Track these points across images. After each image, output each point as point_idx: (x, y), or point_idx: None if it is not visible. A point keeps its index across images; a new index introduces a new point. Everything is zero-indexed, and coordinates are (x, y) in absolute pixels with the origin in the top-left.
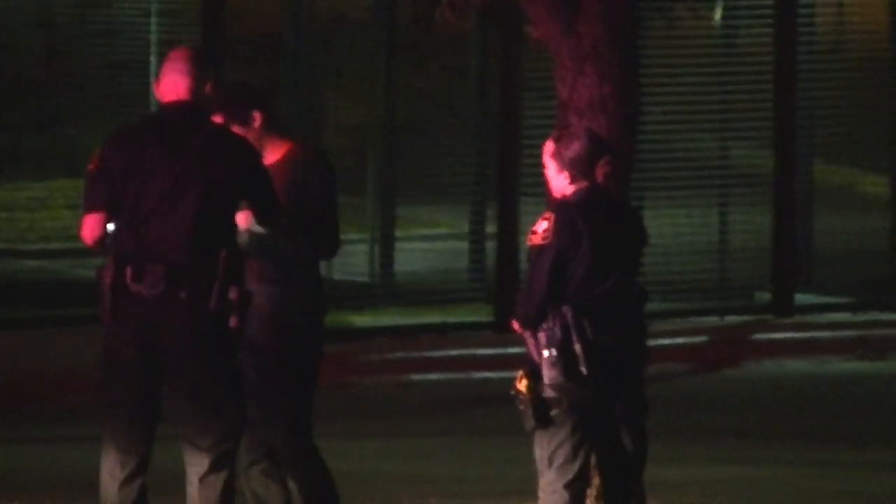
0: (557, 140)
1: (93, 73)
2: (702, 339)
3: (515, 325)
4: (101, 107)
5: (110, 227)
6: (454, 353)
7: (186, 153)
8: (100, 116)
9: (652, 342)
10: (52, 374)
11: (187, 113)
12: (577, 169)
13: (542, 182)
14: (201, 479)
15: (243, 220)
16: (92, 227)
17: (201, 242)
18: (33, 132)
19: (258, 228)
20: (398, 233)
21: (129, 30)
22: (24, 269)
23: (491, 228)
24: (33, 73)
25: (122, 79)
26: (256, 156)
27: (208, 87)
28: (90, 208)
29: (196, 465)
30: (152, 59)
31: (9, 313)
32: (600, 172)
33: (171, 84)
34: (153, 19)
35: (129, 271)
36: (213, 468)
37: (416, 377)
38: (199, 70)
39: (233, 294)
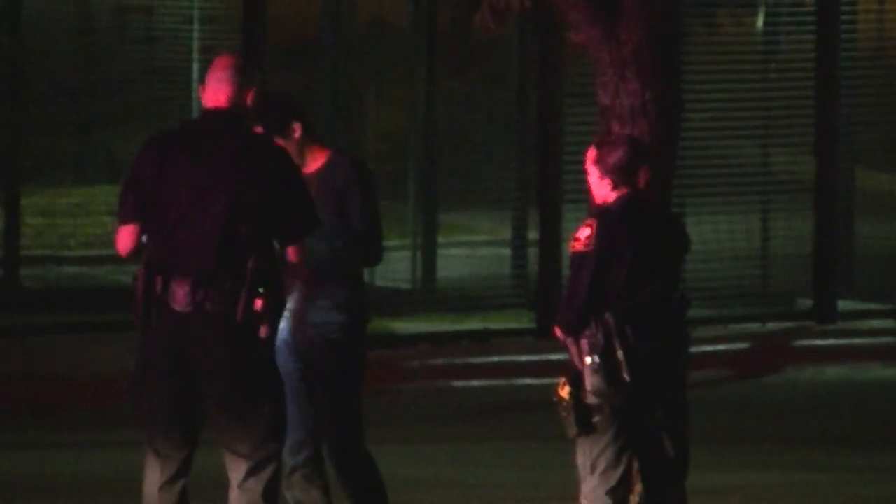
0: (599, 146)
1: (134, 78)
2: (743, 345)
3: (557, 332)
4: (143, 113)
5: (145, 237)
6: (496, 359)
7: (215, 162)
8: (141, 122)
9: (693, 348)
10: (93, 380)
11: (224, 121)
12: (619, 176)
13: (583, 188)
14: (240, 485)
15: (293, 255)
16: (125, 238)
17: (229, 252)
18: (74, 138)
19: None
20: (440, 239)
21: (171, 36)
22: (65, 275)
23: (533, 235)
24: (74, 79)
25: (163, 85)
26: (290, 163)
27: (251, 96)
28: (123, 220)
29: (235, 471)
30: (195, 65)
31: (50, 319)
32: (642, 179)
33: (213, 92)
34: (195, 25)
35: (159, 281)
36: (252, 473)
37: (457, 383)
38: (241, 78)
39: (259, 304)
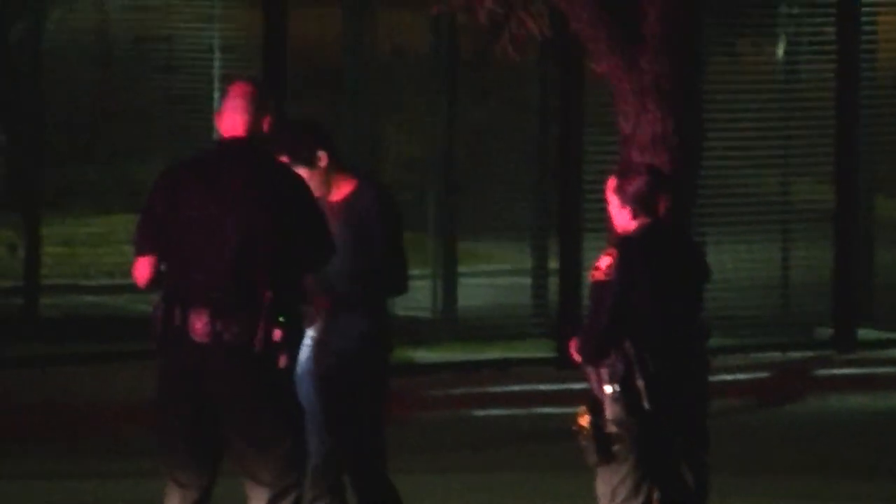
0: (620, 176)
1: (155, 107)
2: (763, 374)
3: (575, 355)
4: (163, 142)
5: (163, 267)
6: (516, 388)
7: (230, 191)
8: (162, 151)
9: (713, 377)
10: (112, 409)
11: (240, 150)
12: (640, 204)
13: (604, 217)
14: None
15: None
16: (142, 269)
17: (246, 282)
18: (95, 168)
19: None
20: (460, 268)
21: (191, 65)
22: (85, 304)
23: (553, 264)
24: (94, 108)
25: (183, 114)
26: (306, 190)
27: (267, 122)
28: (139, 251)
29: (257, 500)
30: (215, 94)
31: (70, 348)
32: (662, 208)
33: (230, 120)
34: (215, 54)
35: (177, 311)
36: (273, 502)
37: (478, 412)
38: (257, 105)
39: (278, 333)
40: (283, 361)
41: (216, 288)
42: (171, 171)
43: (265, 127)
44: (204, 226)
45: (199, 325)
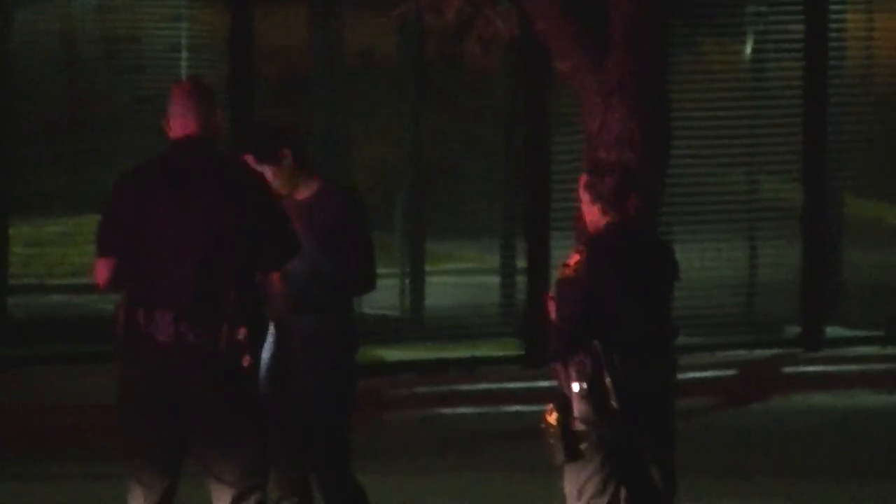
0: (591, 173)
1: (122, 108)
2: (730, 372)
3: (552, 312)
4: (131, 142)
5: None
6: (484, 387)
7: (191, 192)
8: (128, 153)
9: (680, 376)
10: (79, 410)
11: (197, 150)
12: (610, 202)
13: (571, 216)
14: None
15: (276, 282)
16: (102, 271)
17: (209, 282)
18: (63, 169)
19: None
20: (427, 267)
21: (158, 65)
22: (53, 304)
23: (521, 263)
24: (62, 110)
25: (150, 114)
26: (266, 188)
27: (216, 119)
28: (100, 253)
29: (220, 500)
30: None
31: (37, 349)
32: (632, 206)
33: (182, 120)
34: (183, 54)
35: (140, 314)
36: (238, 502)
37: (445, 411)
38: (207, 103)
39: (241, 335)
40: (246, 361)
41: (180, 289)
42: (131, 174)
43: (216, 125)
44: (167, 227)
45: (164, 325)
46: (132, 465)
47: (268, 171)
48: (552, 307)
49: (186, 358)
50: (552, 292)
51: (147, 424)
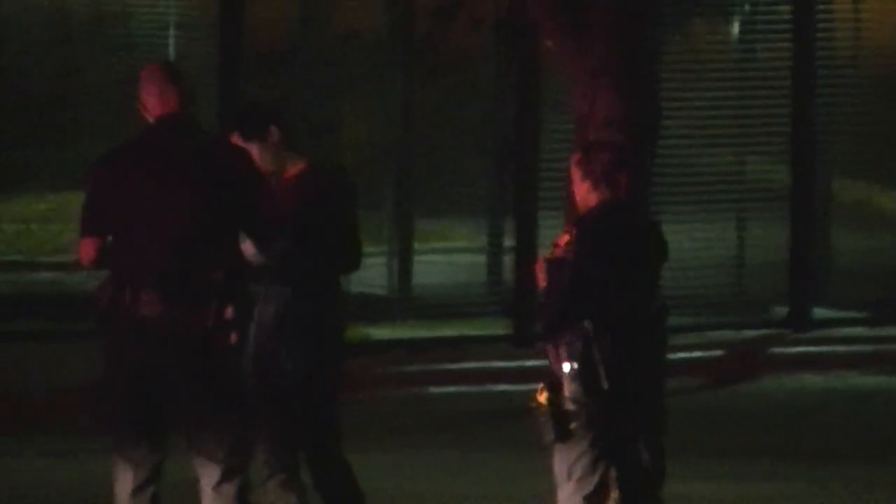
0: (583, 150)
1: (110, 85)
2: (718, 353)
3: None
4: (118, 119)
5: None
6: (472, 365)
7: (174, 170)
8: (116, 130)
9: (669, 356)
10: (65, 388)
11: (178, 128)
12: (602, 179)
13: (560, 196)
14: (215, 488)
15: (249, 249)
16: (87, 250)
17: (194, 262)
18: (50, 146)
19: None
20: (416, 246)
21: (147, 42)
22: (39, 281)
23: (509, 242)
24: (50, 86)
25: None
26: (250, 163)
27: (188, 100)
28: (84, 232)
29: (208, 476)
30: None
31: (23, 325)
32: (623, 185)
33: (160, 99)
34: (171, 31)
35: (126, 293)
36: (225, 478)
37: (433, 390)
38: (183, 83)
39: (228, 312)
40: (233, 338)
41: (166, 268)
42: (114, 152)
43: (188, 104)
44: (151, 207)
45: (149, 303)
46: (119, 442)
47: (254, 149)
48: (541, 277)
49: (172, 334)
50: (540, 261)
51: (133, 402)
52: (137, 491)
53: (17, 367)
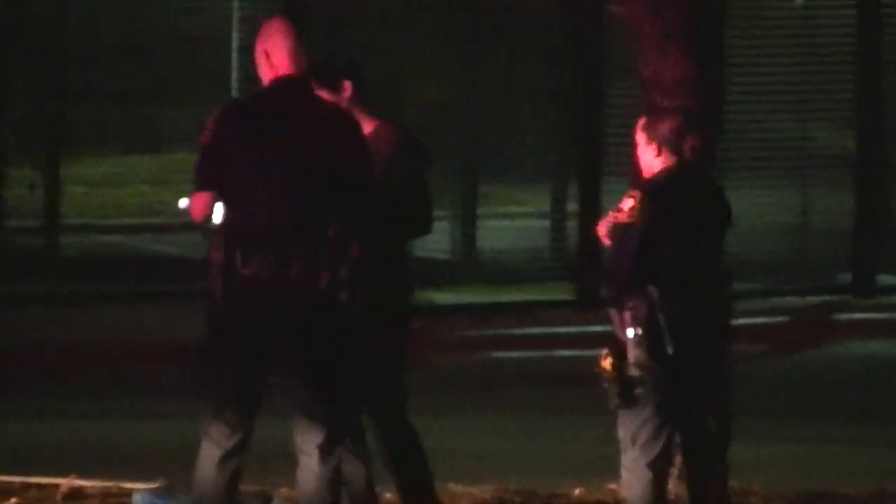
0: (647, 116)
1: (175, 48)
2: (782, 319)
3: (604, 238)
4: (182, 83)
5: (219, 206)
6: (535, 330)
7: (293, 131)
8: (180, 92)
9: (732, 322)
10: (129, 349)
11: (300, 90)
12: (666, 143)
13: (624, 161)
14: (321, 448)
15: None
16: (200, 205)
17: (310, 220)
18: (115, 107)
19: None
20: (480, 210)
21: (212, 5)
22: (104, 244)
23: (573, 207)
24: (116, 48)
25: (202, 54)
26: (360, 131)
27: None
28: (201, 186)
29: (308, 444)
30: (234, 34)
31: (88, 288)
32: (688, 149)
33: (287, 59)
34: None
35: (238, 253)
36: (327, 447)
37: (497, 355)
38: (305, 45)
39: (343, 271)
40: (347, 299)
41: (282, 227)
42: (233, 108)
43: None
44: (268, 166)
45: (262, 263)
46: (215, 409)
47: None
48: (603, 235)
49: (285, 294)
50: (603, 221)
51: (239, 368)
52: (224, 460)
53: (84, 329)
